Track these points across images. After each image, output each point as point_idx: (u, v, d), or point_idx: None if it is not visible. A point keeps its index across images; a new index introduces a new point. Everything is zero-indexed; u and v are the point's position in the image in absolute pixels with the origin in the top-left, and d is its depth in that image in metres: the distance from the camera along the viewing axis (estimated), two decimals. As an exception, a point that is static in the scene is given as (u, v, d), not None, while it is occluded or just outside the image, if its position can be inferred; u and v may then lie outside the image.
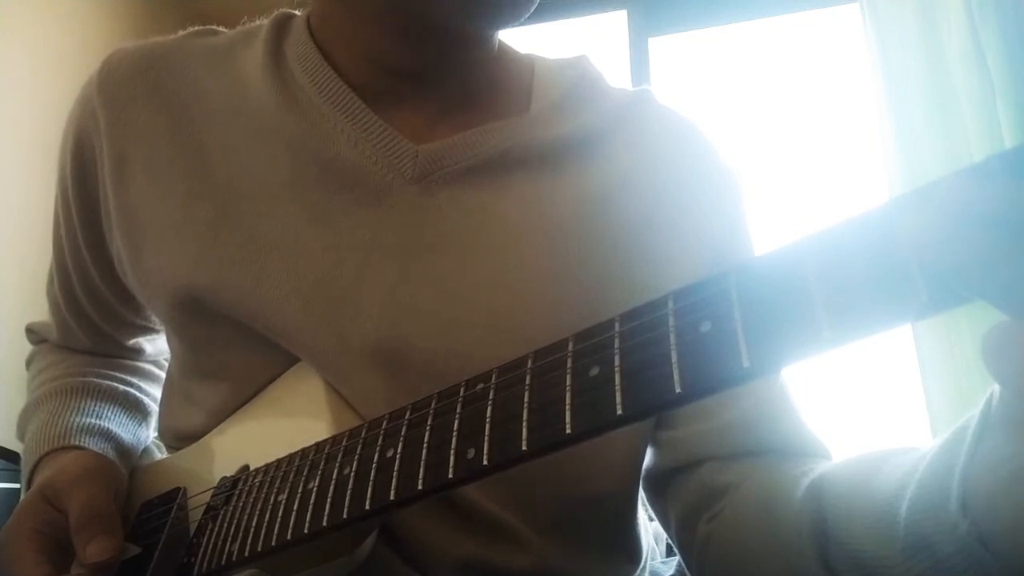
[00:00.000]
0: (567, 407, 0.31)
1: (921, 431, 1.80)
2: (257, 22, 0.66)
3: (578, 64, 0.66)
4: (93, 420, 0.68)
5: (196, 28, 0.67)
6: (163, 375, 0.79)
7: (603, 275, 0.58)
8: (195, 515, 0.58)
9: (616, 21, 2.39)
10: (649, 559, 0.71)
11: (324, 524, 0.44)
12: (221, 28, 0.67)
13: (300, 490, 0.48)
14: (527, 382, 0.34)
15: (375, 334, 0.55)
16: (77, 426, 0.66)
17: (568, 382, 0.32)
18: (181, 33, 0.66)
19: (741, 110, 2.27)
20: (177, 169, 0.59)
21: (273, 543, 0.48)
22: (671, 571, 1.10)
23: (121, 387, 0.74)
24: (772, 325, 0.23)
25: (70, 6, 2.22)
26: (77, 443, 0.64)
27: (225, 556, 0.51)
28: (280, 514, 0.48)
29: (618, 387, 0.29)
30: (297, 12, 0.65)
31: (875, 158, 2.01)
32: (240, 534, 0.51)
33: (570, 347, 0.33)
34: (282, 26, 0.63)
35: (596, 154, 0.61)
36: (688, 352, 0.26)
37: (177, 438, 0.67)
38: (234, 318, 0.57)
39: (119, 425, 0.70)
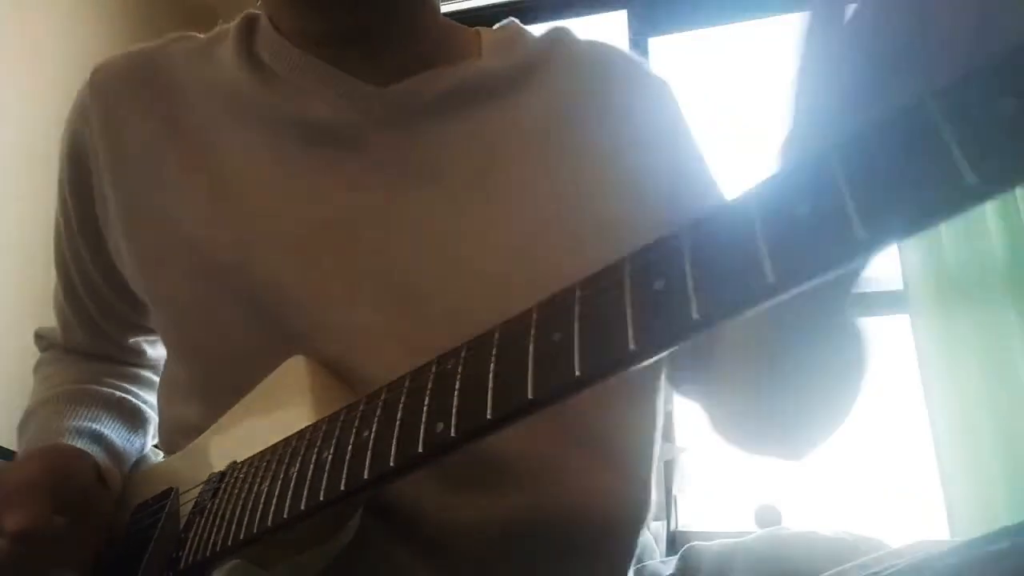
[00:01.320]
0: (529, 373, 0.31)
1: (920, 429, 1.79)
2: (227, 25, 0.72)
3: (511, 23, 0.73)
4: (85, 423, 0.70)
5: (174, 35, 0.72)
6: None
7: (589, 179, 0.62)
8: (185, 511, 0.59)
9: (616, 21, 2.39)
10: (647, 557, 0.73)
11: (302, 508, 0.45)
12: (198, 34, 0.73)
13: (281, 477, 0.48)
14: (493, 353, 0.35)
15: (376, 268, 0.57)
16: (68, 428, 0.68)
17: (531, 349, 0.32)
18: (161, 40, 0.71)
19: (741, 110, 2.27)
20: (172, 156, 0.63)
21: (255, 530, 0.48)
22: (671, 571, 1.10)
23: (118, 394, 0.76)
24: (721, 278, 0.23)
25: (68, 8, 2.24)
26: (67, 442, 0.66)
27: (210, 547, 0.52)
28: (261, 502, 0.49)
29: (576, 349, 0.29)
30: (259, 12, 0.70)
31: (875, 157, 2.00)
32: (224, 525, 0.51)
33: (534, 316, 0.34)
34: (250, 23, 0.68)
35: (542, 77, 0.66)
36: (642, 310, 0.26)
37: (179, 433, 0.68)
38: (243, 293, 0.59)
39: (111, 429, 0.72)
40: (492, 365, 0.34)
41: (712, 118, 2.28)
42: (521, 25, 0.72)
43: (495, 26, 0.73)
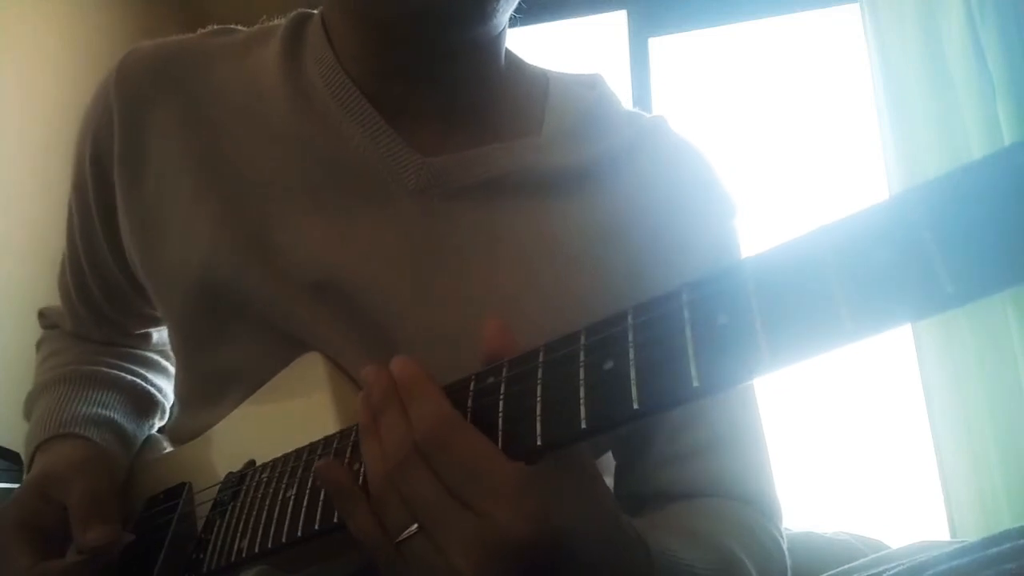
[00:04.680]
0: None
1: (921, 429, 1.79)
2: (274, 22, 0.66)
3: (594, 85, 0.66)
4: (98, 410, 0.69)
5: (214, 27, 0.67)
6: (170, 367, 0.80)
7: (596, 306, 0.58)
8: (202, 511, 0.58)
9: (616, 21, 2.38)
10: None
11: (335, 521, 0.45)
12: (240, 27, 0.67)
13: (309, 486, 0.48)
14: (538, 376, 0.37)
15: (365, 323, 0.57)
16: (82, 416, 0.67)
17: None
18: (199, 32, 0.66)
19: (741, 110, 2.27)
20: (188, 164, 0.60)
21: (283, 540, 0.48)
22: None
23: (128, 377, 0.75)
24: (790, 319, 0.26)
25: (72, 6, 2.23)
26: (80, 432, 0.66)
27: (235, 552, 0.51)
28: (289, 510, 0.48)
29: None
30: (315, 12, 0.64)
31: (875, 158, 2.01)
32: (249, 530, 0.51)
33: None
34: (300, 26, 0.63)
35: (604, 185, 0.61)
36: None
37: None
38: (245, 311, 0.58)
39: (123, 415, 0.71)
40: (538, 389, 0.36)
41: (712, 118, 2.28)
42: (604, 92, 0.66)
43: (576, 76, 0.67)
